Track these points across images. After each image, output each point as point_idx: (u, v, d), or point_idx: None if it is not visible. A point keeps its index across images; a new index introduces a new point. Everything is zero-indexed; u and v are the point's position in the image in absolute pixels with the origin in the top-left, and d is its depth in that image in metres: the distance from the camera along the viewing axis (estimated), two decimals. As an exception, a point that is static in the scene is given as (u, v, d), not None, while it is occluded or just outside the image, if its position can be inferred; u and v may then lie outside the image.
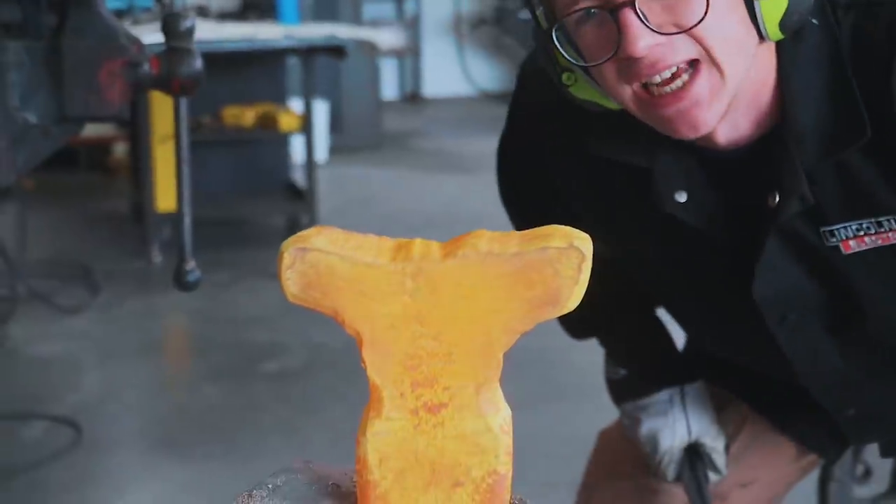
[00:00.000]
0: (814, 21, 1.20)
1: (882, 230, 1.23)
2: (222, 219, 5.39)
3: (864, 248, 1.24)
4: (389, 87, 9.59)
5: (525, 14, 1.25)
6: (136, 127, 5.23)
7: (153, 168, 5.04)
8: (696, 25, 1.10)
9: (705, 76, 1.13)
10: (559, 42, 1.17)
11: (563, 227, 0.72)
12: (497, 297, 0.72)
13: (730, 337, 1.44)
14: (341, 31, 5.32)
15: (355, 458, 0.76)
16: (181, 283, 1.68)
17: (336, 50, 5.09)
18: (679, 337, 1.59)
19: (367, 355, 0.74)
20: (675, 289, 1.44)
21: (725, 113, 1.17)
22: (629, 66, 1.13)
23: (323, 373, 3.78)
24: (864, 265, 1.26)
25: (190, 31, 1.59)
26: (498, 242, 0.72)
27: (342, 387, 3.64)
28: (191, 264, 1.67)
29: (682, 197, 1.27)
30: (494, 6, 9.59)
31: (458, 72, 10.07)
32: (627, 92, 1.16)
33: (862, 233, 1.23)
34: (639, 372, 1.54)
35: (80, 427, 3.32)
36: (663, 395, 1.52)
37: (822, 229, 1.24)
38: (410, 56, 9.94)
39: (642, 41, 1.10)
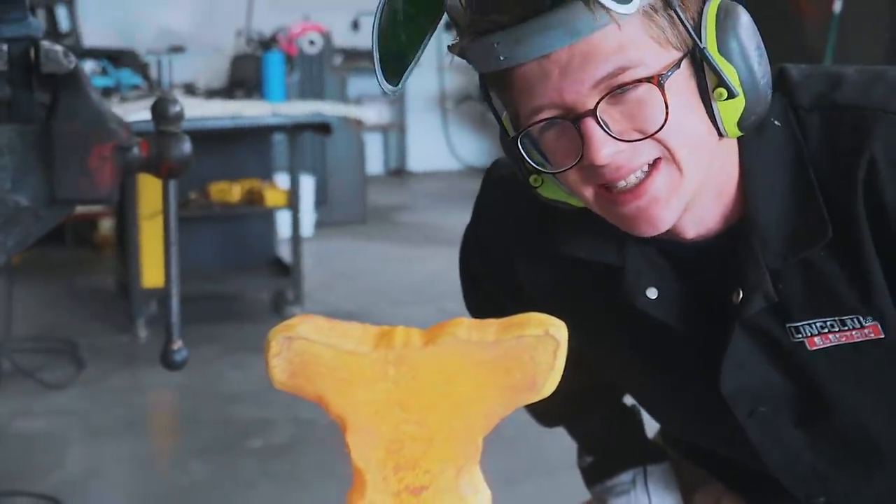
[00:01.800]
0: (776, 122, 1.23)
1: (846, 328, 1.24)
2: (209, 294, 5.41)
3: (829, 344, 1.26)
4: (374, 162, 9.66)
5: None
6: (122, 204, 5.26)
7: (140, 244, 5.06)
8: (658, 131, 1.12)
9: (663, 173, 1.16)
10: (524, 148, 1.19)
11: (539, 314, 0.75)
12: (476, 383, 0.75)
13: (700, 428, 1.46)
14: (327, 108, 5.39)
15: (340, 540, 0.78)
16: (168, 362, 1.70)
17: (322, 126, 5.16)
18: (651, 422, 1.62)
19: (350, 440, 0.77)
20: (645, 382, 1.46)
21: (686, 209, 1.19)
22: (593, 171, 1.15)
23: (310, 449, 3.78)
24: (828, 361, 1.27)
25: (179, 116, 1.63)
26: (476, 330, 0.75)
27: (330, 463, 3.63)
28: (178, 343, 1.69)
29: (652, 293, 1.29)
30: (479, 82, 9.71)
31: (442, 146, 10.16)
32: (590, 192, 1.19)
33: (826, 330, 1.25)
34: (603, 458, 1.56)
35: (63, 504, 3.30)
36: (626, 476, 1.53)
37: (788, 325, 1.26)
38: (395, 131, 10.03)
39: (605, 150, 1.12)
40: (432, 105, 10.09)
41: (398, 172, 10.13)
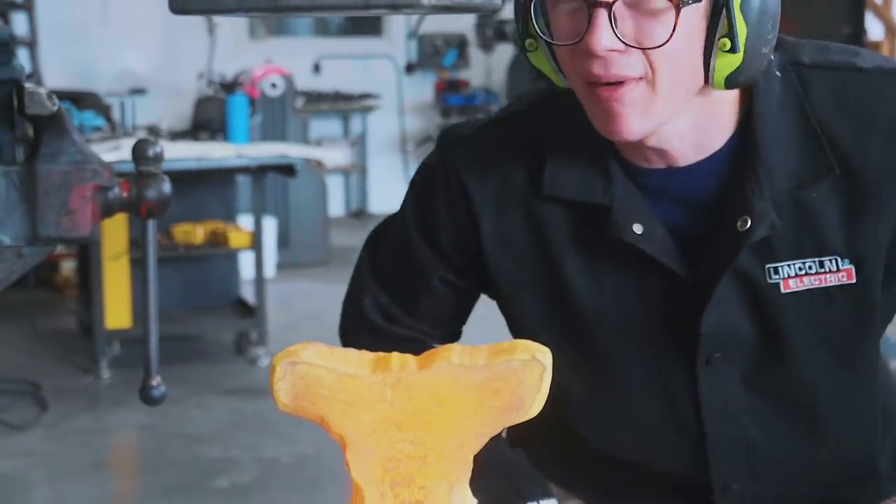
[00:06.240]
0: (777, 73, 1.32)
1: (822, 270, 1.32)
2: (172, 335, 5.41)
3: (801, 288, 1.33)
4: (336, 204, 9.70)
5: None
6: (85, 245, 5.26)
7: (102, 285, 5.07)
8: (655, 48, 1.20)
9: (641, 88, 1.23)
10: (534, 12, 1.27)
11: (525, 341, 0.81)
12: (468, 404, 0.80)
13: (645, 391, 1.44)
14: (291, 150, 5.43)
15: (340, 554, 0.82)
16: (147, 397, 1.72)
17: (287, 168, 5.20)
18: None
19: (350, 458, 0.81)
20: (609, 334, 1.43)
21: (653, 132, 1.27)
22: (584, 59, 1.23)
23: (275, 488, 3.79)
24: (797, 306, 1.34)
25: (158, 157, 1.67)
26: (468, 355, 0.80)
27: (294, 501, 3.65)
28: (157, 380, 1.72)
29: (638, 228, 1.35)
30: (438, 124, 9.80)
31: (403, 188, 10.15)
32: (578, 80, 1.27)
33: (803, 272, 1.33)
34: None
35: (29, 546, 3.30)
36: None
37: (768, 266, 1.33)
38: (357, 173, 10.09)
39: (604, 40, 1.20)
40: (393, 147, 10.17)
41: (359, 214, 10.17)
